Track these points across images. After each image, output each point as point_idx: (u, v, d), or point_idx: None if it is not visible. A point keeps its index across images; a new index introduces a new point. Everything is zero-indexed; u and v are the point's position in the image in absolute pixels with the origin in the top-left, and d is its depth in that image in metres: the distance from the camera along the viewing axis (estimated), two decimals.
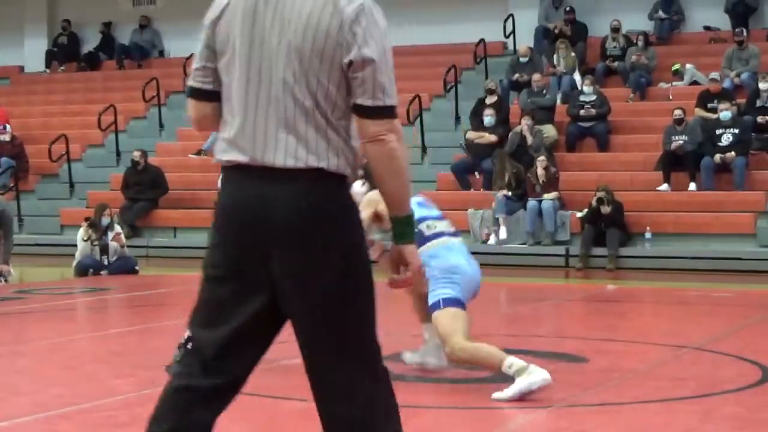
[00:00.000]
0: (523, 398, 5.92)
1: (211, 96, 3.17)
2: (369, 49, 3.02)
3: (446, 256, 6.43)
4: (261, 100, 3.05)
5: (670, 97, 18.63)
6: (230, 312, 3.08)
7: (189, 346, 3.16)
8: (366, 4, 3.05)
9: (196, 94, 3.20)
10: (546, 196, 16.09)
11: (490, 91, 18.43)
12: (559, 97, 18.89)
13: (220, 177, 3.24)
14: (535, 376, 5.94)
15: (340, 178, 3.07)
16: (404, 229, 3.13)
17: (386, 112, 3.08)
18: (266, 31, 3.05)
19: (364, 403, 3.09)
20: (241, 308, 3.08)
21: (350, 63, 3.02)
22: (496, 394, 5.94)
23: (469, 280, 6.49)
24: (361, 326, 3.09)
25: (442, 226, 6.58)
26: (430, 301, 6.42)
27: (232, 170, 3.10)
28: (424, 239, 6.39)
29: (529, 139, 17.14)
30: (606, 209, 15.37)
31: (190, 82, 3.22)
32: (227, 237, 3.09)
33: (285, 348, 7.60)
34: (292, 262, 3.02)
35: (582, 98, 17.96)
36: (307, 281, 3.03)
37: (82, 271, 14.44)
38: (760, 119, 16.78)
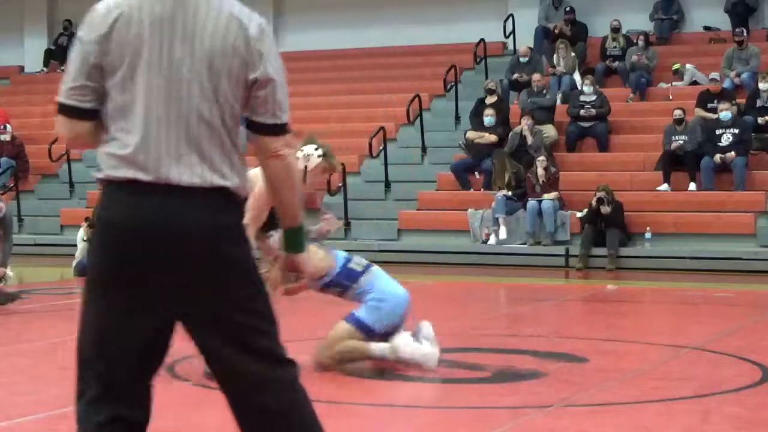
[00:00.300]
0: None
1: (90, 114, 3.09)
2: (272, 67, 3.10)
3: (378, 286, 6.90)
4: (165, 118, 3.01)
5: (670, 97, 18.63)
6: (133, 335, 3.07)
7: (91, 376, 3.09)
8: (263, 22, 3.11)
9: (73, 112, 3.09)
10: (546, 196, 16.09)
11: (490, 91, 18.43)
12: (559, 97, 18.88)
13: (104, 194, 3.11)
14: (401, 339, 6.75)
15: (239, 196, 3.12)
16: (297, 239, 3.26)
17: (284, 129, 3.17)
18: (170, 48, 3.01)
19: (286, 392, 3.14)
20: (143, 329, 3.08)
21: (255, 81, 3.08)
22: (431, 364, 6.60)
23: (397, 303, 6.90)
24: (268, 325, 3.15)
25: (360, 259, 7.14)
26: (351, 312, 6.90)
27: (126, 187, 3.01)
28: (356, 273, 6.91)
29: (529, 139, 17.14)
30: (606, 209, 15.37)
31: (64, 100, 3.09)
32: (124, 256, 3.02)
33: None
34: (197, 278, 3.04)
35: (582, 98, 17.95)
36: (214, 295, 3.06)
37: (82, 271, 14.38)
38: (760, 119, 16.78)
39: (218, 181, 3.05)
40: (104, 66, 3.03)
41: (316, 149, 6.71)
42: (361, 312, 6.84)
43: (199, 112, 3.03)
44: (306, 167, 6.65)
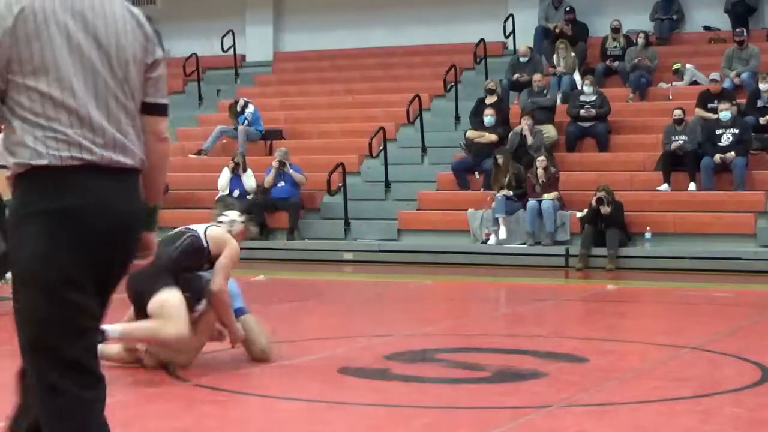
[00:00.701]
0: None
1: None
2: (160, 50, 3.31)
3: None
4: (88, 104, 3.09)
5: (670, 97, 18.63)
6: (92, 316, 3.17)
7: (65, 365, 3.14)
8: None
9: None
10: (546, 196, 16.09)
11: (490, 91, 18.42)
12: (559, 97, 18.88)
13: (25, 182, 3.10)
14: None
15: None
16: (155, 218, 3.41)
17: (168, 109, 3.36)
18: (77, 38, 3.09)
19: None
20: (97, 310, 3.19)
21: (153, 62, 3.26)
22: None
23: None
24: None
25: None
26: (236, 306, 7.12)
27: (72, 171, 3.07)
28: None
29: (529, 139, 17.14)
30: (605, 209, 15.36)
31: None
32: (88, 240, 3.09)
33: (285, 348, 7.60)
34: (130, 254, 3.25)
35: (582, 98, 17.95)
36: (126, 268, 3.29)
37: None
38: (761, 119, 16.77)
39: (139, 161, 3.20)
40: (12, 59, 3.05)
41: (240, 216, 7.18)
42: (237, 301, 7.14)
43: (116, 97, 3.14)
44: (230, 231, 7.02)
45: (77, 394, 3.10)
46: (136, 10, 3.26)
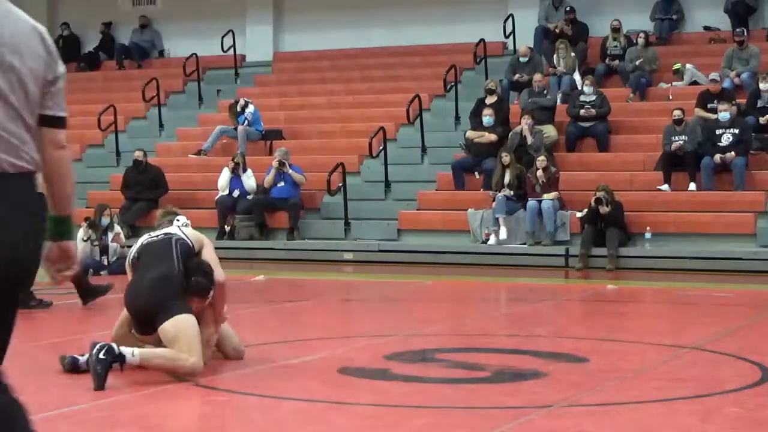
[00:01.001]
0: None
1: None
2: (62, 65, 3.44)
3: None
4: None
5: (670, 97, 18.63)
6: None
7: None
8: None
9: None
10: (546, 196, 16.09)
11: (490, 91, 18.42)
12: (559, 97, 18.88)
13: None
14: None
15: None
16: (69, 226, 3.50)
17: (66, 123, 3.48)
18: None
19: None
20: None
21: (54, 78, 3.39)
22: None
23: None
24: None
25: None
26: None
27: None
28: None
29: (529, 139, 17.14)
30: (605, 209, 15.35)
31: None
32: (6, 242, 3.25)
33: (285, 348, 7.62)
34: (37, 262, 3.42)
35: (582, 98, 17.95)
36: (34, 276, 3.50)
37: (82, 271, 14.42)
38: (761, 119, 16.77)
39: (35, 165, 3.33)
40: None
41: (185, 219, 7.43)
42: None
43: (17, 110, 3.26)
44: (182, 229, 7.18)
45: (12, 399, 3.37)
46: (40, 27, 3.36)
